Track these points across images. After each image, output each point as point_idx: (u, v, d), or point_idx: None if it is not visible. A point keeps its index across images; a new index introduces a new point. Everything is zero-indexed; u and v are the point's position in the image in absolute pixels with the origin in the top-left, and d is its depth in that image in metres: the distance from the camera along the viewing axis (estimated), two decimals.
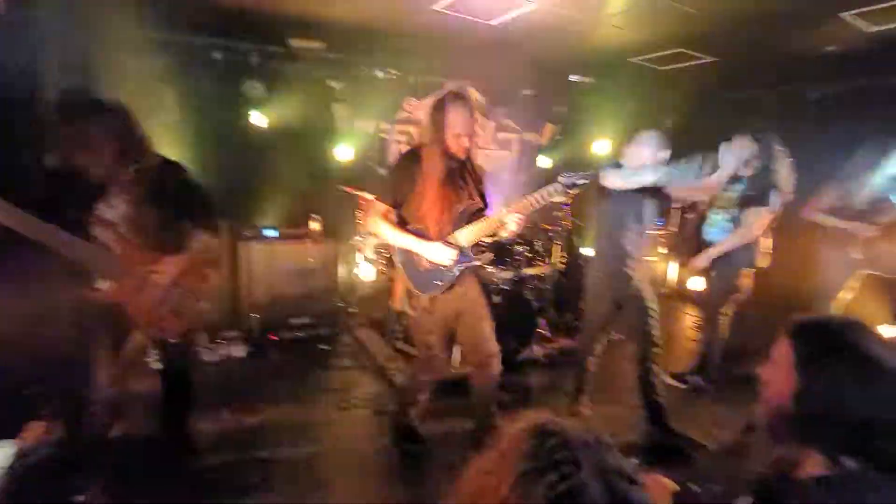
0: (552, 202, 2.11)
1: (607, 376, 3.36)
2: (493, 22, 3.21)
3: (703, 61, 3.92)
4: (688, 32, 3.25)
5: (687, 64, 4.03)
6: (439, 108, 1.96)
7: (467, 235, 2.08)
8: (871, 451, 0.86)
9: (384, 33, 3.65)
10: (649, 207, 2.53)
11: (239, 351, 3.35)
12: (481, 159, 2.16)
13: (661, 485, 1.54)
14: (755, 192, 2.82)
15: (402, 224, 2.12)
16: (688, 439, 2.53)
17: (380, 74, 4.35)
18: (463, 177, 2.11)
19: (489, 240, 2.16)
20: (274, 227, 4.02)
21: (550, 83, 4.95)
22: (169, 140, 3.58)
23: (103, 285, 1.81)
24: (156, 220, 1.85)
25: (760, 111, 2.27)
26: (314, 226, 4.07)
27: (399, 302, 2.35)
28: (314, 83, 4.18)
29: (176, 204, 1.89)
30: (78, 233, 1.72)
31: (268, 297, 3.81)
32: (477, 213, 2.14)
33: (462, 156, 2.03)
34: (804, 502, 0.88)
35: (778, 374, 0.97)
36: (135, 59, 3.34)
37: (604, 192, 2.48)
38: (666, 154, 2.44)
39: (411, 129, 4.89)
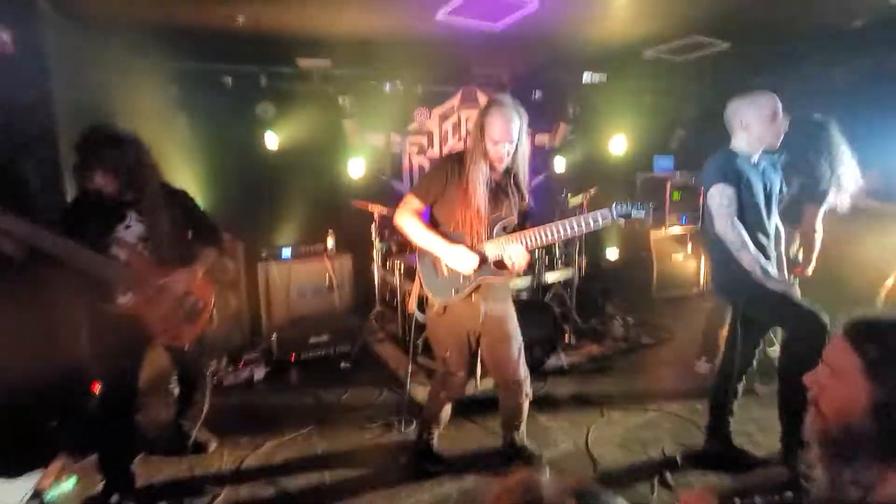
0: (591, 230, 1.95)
1: (647, 381, 3.23)
2: (498, 25, 3.16)
3: (720, 49, 3.76)
4: (700, 17, 3.11)
5: (703, 53, 3.89)
6: (482, 114, 1.94)
7: (494, 249, 2.01)
8: None
9: (389, 46, 3.64)
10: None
11: (260, 373, 3.33)
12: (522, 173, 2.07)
13: (703, 501, 1.42)
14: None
15: (433, 224, 2.08)
16: (742, 451, 2.35)
17: (387, 87, 4.34)
18: (504, 188, 2.04)
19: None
20: (290, 246, 4.03)
21: (561, 83, 4.85)
22: (184, 166, 3.65)
23: (122, 299, 1.97)
24: (166, 239, 2.05)
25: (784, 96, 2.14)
26: (330, 242, 4.06)
27: (412, 305, 2.30)
28: (324, 100, 4.19)
29: (181, 224, 2.14)
30: (100, 251, 1.90)
31: (287, 317, 3.80)
32: (512, 229, 2.06)
33: (500, 164, 1.98)
34: None
35: (839, 383, 0.84)
36: (147, 90, 3.42)
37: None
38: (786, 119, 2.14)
39: (423, 139, 4.86)
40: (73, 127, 2.52)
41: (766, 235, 2.19)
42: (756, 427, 2.57)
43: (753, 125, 2.13)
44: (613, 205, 1.90)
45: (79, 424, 2.44)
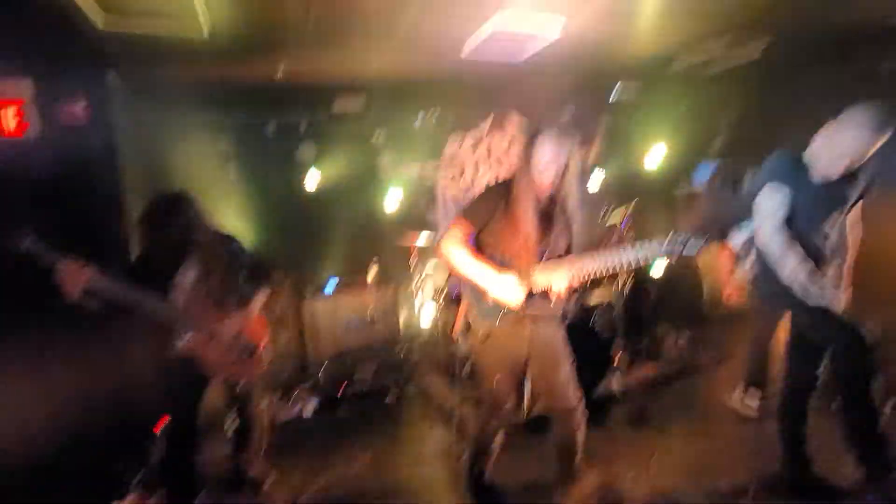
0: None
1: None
2: (520, 58, 3.21)
3: (748, 59, 3.66)
4: (733, 15, 3.01)
5: (731, 64, 3.79)
6: (530, 142, 1.94)
7: (542, 278, 1.97)
8: None
9: (418, 83, 3.78)
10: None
11: (310, 408, 3.39)
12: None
13: None
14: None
15: (479, 247, 2.04)
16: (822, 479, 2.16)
17: (418, 121, 4.49)
18: (552, 215, 2.02)
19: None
20: (334, 281, 4.15)
21: (592, 99, 4.84)
22: (234, 211, 3.88)
23: (182, 340, 2.12)
24: (219, 282, 2.21)
25: (826, 92, 1.95)
26: (371, 274, 4.15)
27: (457, 330, 2.26)
28: (359, 138, 4.39)
29: (233, 267, 2.29)
30: (161, 297, 2.08)
31: (333, 351, 3.88)
32: (559, 256, 2.02)
33: (546, 192, 1.96)
34: None
35: None
36: (200, 145, 3.71)
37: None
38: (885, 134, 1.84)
39: (454, 167, 4.93)
40: (135, 186, 2.76)
41: (820, 246, 1.97)
42: (837, 451, 2.35)
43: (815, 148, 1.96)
44: (667, 241, 1.78)
45: (146, 462, 2.57)
